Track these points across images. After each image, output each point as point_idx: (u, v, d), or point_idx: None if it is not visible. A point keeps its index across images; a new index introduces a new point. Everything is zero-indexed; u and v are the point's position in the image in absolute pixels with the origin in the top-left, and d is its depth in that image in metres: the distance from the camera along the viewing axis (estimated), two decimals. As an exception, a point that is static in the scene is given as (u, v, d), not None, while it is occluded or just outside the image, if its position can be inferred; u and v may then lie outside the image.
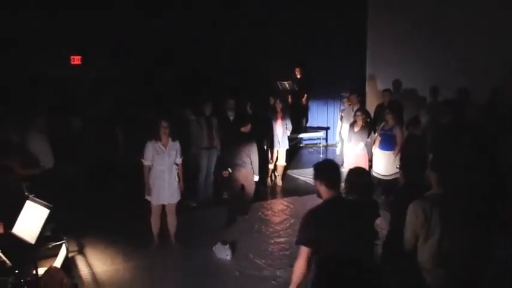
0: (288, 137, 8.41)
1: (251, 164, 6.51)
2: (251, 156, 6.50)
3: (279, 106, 8.18)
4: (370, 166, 7.29)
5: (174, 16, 9.39)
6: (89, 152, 7.03)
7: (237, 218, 6.64)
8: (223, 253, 5.49)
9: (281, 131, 8.17)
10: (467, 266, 3.05)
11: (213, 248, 5.58)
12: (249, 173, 6.55)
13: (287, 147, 8.36)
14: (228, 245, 5.57)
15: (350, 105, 8.66)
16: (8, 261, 3.91)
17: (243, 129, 6.64)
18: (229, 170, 6.53)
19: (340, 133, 8.90)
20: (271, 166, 8.35)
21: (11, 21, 8.01)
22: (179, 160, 5.64)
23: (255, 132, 6.77)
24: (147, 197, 5.64)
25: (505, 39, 6.79)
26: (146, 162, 5.50)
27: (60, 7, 8.48)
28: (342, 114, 8.88)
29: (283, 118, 8.20)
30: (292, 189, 8.24)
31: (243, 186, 6.66)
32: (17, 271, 3.91)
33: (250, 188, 6.71)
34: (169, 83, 9.21)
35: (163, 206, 5.70)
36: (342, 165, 8.94)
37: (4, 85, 7.71)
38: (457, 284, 3.06)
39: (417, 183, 3.94)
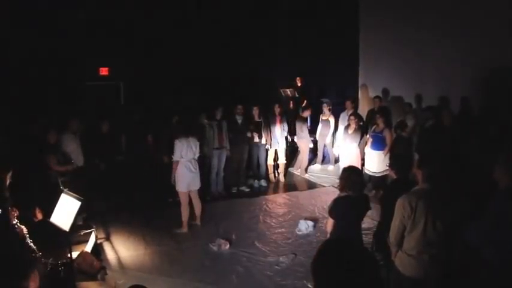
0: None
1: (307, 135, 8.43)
2: (304, 131, 8.35)
3: (277, 110, 8.20)
4: (363, 164, 7.28)
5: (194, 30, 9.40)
6: (119, 152, 7.10)
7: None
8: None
9: (279, 132, 8.18)
10: (444, 249, 3.08)
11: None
12: (304, 141, 8.41)
13: (285, 146, 8.40)
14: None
15: (329, 109, 8.73)
16: (36, 250, 3.91)
17: (302, 114, 8.44)
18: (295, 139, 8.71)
19: (319, 135, 8.87)
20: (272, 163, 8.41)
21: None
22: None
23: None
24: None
25: (477, 54, 6.83)
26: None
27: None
28: (323, 118, 8.82)
29: (281, 121, 8.22)
30: (293, 185, 8.25)
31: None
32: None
33: (305, 149, 8.52)
34: (186, 91, 9.24)
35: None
36: (323, 161, 9.09)
37: (42, 96, 7.82)
38: (437, 265, 3.08)
39: (404, 179, 3.97)
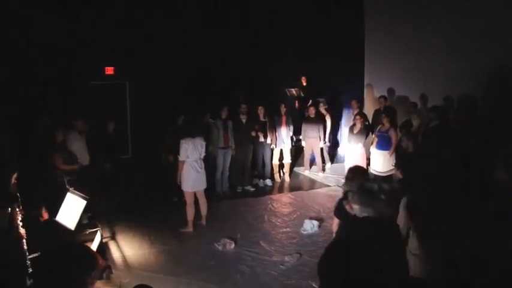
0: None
1: (319, 135, 8.35)
2: (318, 130, 8.30)
3: (283, 110, 8.20)
4: (368, 164, 7.26)
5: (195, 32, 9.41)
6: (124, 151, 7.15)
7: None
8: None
9: (285, 132, 8.19)
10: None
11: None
12: (314, 141, 8.35)
13: (290, 146, 8.40)
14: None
15: (325, 109, 8.72)
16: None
17: (308, 113, 8.41)
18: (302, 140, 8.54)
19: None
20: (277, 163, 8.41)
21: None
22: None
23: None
24: None
25: (483, 54, 6.78)
26: None
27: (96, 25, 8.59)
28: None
29: (286, 121, 8.23)
30: (298, 184, 8.24)
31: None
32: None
33: (316, 150, 8.51)
34: (191, 90, 9.24)
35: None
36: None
37: (48, 95, 7.86)
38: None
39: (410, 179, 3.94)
